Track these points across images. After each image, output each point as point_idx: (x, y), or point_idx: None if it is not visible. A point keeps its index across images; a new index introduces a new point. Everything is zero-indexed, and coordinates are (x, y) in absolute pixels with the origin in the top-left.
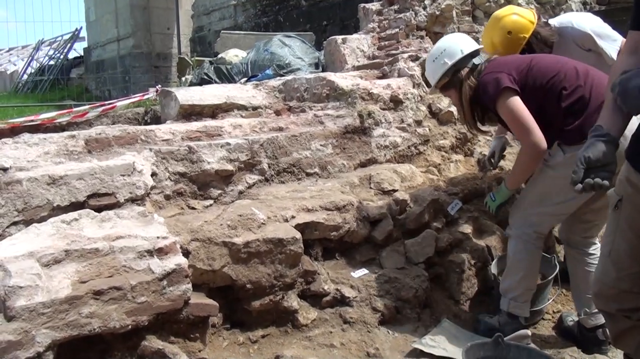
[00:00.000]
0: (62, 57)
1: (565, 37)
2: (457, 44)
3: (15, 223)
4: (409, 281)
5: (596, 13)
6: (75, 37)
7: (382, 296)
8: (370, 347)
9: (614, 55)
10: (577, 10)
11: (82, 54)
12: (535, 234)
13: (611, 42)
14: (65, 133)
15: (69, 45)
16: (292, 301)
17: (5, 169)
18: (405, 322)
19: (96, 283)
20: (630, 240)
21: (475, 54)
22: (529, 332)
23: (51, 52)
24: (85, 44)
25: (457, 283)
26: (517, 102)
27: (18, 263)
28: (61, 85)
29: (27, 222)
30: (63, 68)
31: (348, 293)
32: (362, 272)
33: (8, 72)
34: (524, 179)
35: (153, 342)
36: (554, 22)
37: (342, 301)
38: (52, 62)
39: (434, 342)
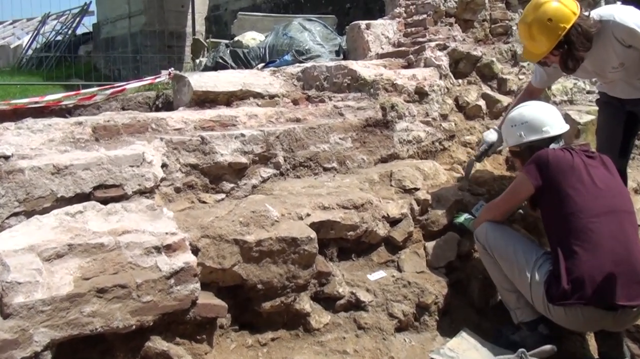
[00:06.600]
0: (69, 32)
1: (605, 31)
2: (543, 121)
3: (15, 214)
4: (428, 286)
5: None
6: (84, 11)
7: (399, 301)
8: (385, 355)
9: None
10: (619, 2)
11: (91, 30)
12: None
13: None
14: (72, 119)
15: (77, 20)
16: (305, 303)
17: (6, 157)
18: (423, 330)
19: (100, 280)
20: None
21: (556, 138)
22: (554, 347)
23: (58, 27)
24: (94, 20)
25: (479, 290)
26: (522, 187)
27: (17, 257)
28: (68, 63)
29: (29, 214)
30: (71, 44)
31: (363, 296)
32: (380, 275)
33: (11, 47)
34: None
35: (157, 343)
36: (594, 14)
37: (357, 305)
38: (59, 38)
39: (452, 353)
